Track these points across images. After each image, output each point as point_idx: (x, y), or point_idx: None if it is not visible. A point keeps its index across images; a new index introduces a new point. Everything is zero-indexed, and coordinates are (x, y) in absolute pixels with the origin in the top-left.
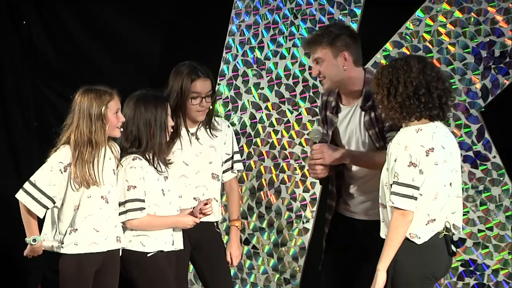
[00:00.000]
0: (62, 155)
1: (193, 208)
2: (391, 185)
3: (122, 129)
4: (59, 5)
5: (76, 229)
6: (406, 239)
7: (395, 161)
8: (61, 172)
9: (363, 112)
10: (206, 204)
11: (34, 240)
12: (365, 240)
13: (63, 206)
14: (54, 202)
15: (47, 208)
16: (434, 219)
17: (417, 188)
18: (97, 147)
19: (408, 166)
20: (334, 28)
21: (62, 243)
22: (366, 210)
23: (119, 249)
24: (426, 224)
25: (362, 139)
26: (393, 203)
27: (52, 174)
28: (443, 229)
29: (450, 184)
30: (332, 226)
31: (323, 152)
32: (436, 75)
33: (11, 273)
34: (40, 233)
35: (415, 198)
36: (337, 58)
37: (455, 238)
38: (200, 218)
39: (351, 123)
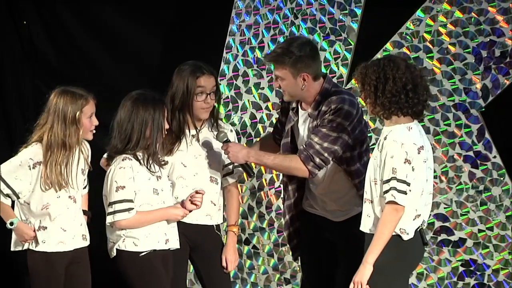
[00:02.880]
0: (33, 152)
1: (183, 200)
2: (388, 180)
3: (94, 131)
4: (59, 5)
5: (45, 227)
6: (395, 234)
7: (392, 157)
8: (30, 169)
9: (311, 119)
10: (197, 192)
11: (11, 224)
12: (331, 236)
13: (31, 204)
14: (18, 197)
15: (9, 198)
16: (419, 215)
17: (408, 184)
18: (70, 150)
19: (404, 162)
20: (295, 47)
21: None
22: (328, 211)
23: (86, 246)
24: (414, 220)
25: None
26: (394, 198)
27: (20, 168)
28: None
29: (426, 180)
30: (297, 223)
31: (232, 150)
32: (419, 73)
33: (8, 273)
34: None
35: (406, 194)
36: (297, 79)
37: (456, 238)
38: (190, 210)
39: (303, 126)
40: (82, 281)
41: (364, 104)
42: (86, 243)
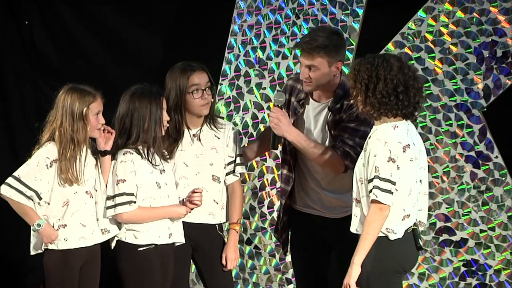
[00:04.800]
0: (48, 151)
1: (183, 199)
2: (371, 179)
3: (102, 129)
4: (61, 5)
5: (65, 225)
6: (382, 235)
7: (375, 156)
8: (47, 168)
9: (329, 112)
10: (194, 192)
11: (39, 225)
12: (327, 236)
13: (51, 203)
14: (40, 198)
15: (32, 201)
16: (409, 215)
17: (394, 183)
18: (78, 145)
19: (388, 161)
20: (327, 37)
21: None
22: (328, 207)
23: (101, 242)
24: (402, 220)
25: (321, 136)
26: (376, 197)
27: (38, 169)
28: (413, 224)
29: (420, 181)
30: (285, 218)
31: (279, 119)
32: (412, 75)
33: (12, 273)
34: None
35: (392, 193)
36: (331, 68)
37: (457, 238)
38: (191, 208)
39: (316, 119)
40: (92, 283)
41: (354, 101)
42: (105, 237)
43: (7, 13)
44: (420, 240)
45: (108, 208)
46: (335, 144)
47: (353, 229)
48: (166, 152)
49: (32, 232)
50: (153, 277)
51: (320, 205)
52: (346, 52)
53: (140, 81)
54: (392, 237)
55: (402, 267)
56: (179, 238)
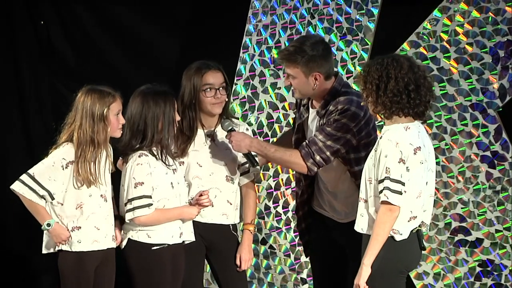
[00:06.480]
0: (65, 152)
1: (190, 200)
2: (382, 180)
3: (121, 131)
4: (77, 5)
5: (80, 227)
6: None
7: (385, 157)
8: (63, 169)
9: (319, 117)
10: (201, 195)
11: (49, 225)
12: (339, 238)
13: (65, 204)
14: (52, 198)
15: (44, 200)
16: (416, 217)
17: (403, 184)
18: (99, 147)
19: (398, 162)
20: (308, 46)
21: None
22: (336, 211)
23: (115, 247)
24: (408, 221)
25: None
26: (387, 198)
27: (53, 169)
28: (418, 225)
29: (426, 183)
30: (310, 219)
31: (235, 140)
32: (422, 74)
33: (28, 273)
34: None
35: (401, 194)
36: (309, 78)
37: (473, 238)
38: (199, 209)
39: (312, 125)
40: (108, 283)
41: (365, 103)
42: (115, 244)
43: (23, 13)
44: (423, 240)
45: (126, 211)
46: (303, 144)
47: (358, 228)
48: (173, 150)
49: (44, 231)
50: (164, 276)
51: (329, 207)
52: (362, 52)
53: (156, 81)
54: (398, 238)
55: (406, 267)
56: (189, 236)
